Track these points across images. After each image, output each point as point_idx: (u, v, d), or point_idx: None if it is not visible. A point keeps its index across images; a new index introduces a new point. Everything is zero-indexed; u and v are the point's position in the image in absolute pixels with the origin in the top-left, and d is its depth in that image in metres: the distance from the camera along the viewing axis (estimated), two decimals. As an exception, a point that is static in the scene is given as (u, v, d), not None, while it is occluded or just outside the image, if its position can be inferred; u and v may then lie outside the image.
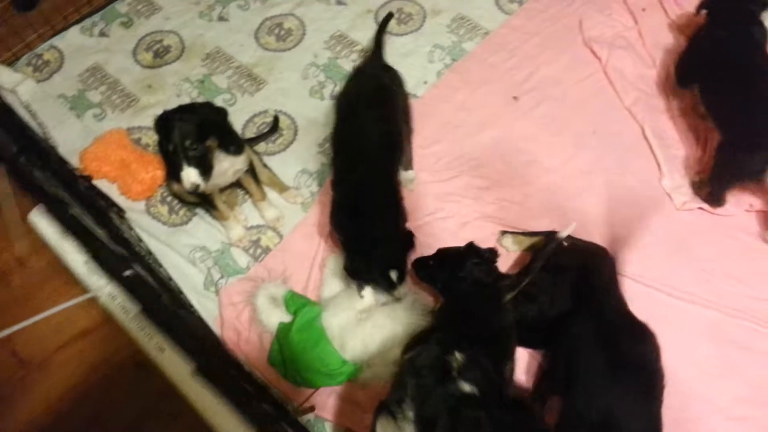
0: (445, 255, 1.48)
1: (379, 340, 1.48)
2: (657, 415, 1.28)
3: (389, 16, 2.12)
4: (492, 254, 1.47)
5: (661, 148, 1.80)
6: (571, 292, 1.49)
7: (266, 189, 1.80)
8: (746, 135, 1.61)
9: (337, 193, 1.59)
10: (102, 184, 1.85)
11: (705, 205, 1.70)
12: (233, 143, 1.62)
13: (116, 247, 1.36)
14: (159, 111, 1.93)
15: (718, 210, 1.69)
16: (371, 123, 1.61)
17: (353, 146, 1.62)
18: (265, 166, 1.81)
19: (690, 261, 1.64)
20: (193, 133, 1.46)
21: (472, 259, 1.42)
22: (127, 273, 1.17)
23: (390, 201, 1.55)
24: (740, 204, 1.70)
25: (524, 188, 1.82)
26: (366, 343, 1.47)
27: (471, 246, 1.46)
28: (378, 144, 1.59)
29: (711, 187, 1.70)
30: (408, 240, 1.53)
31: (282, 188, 1.83)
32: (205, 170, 1.50)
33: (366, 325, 1.49)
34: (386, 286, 1.49)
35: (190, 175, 1.47)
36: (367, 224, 1.51)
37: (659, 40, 2.02)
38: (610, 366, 1.30)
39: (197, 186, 1.48)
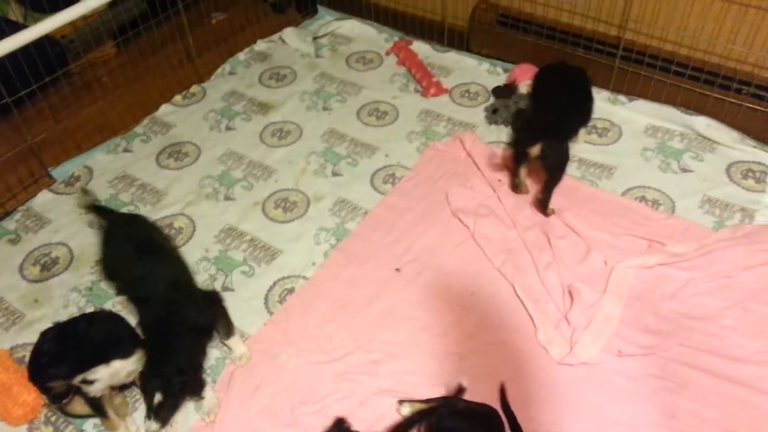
0: None
1: None
2: None
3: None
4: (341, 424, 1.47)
5: (531, 303, 1.95)
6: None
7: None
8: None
9: None
10: (-21, 412, 1.76)
11: (582, 360, 1.81)
12: (124, 346, 1.63)
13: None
14: (45, 325, 1.92)
15: (591, 358, 1.80)
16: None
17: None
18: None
19: (576, 412, 1.71)
20: (48, 374, 1.50)
21: None
22: None
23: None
24: (610, 351, 1.82)
25: (416, 357, 1.88)
26: None
27: None
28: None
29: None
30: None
31: None
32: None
33: None
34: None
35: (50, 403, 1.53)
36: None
37: (516, 203, 2.26)
38: None
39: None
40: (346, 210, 2.34)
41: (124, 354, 1.62)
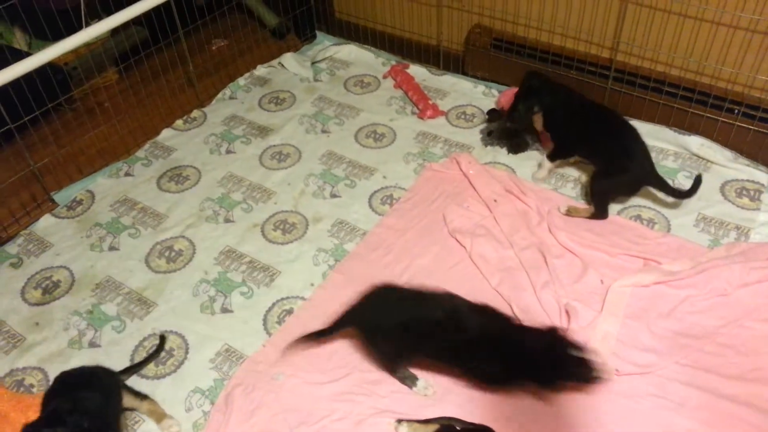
0: None
1: None
2: None
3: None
4: None
5: (528, 322, 1.95)
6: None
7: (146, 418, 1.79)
8: (617, 163, 2.22)
9: None
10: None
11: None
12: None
13: None
14: (45, 348, 1.98)
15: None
16: None
17: None
18: (145, 396, 1.80)
19: (573, 431, 1.71)
20: None
21: None
22: None
23: None
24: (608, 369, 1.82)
25: (414, 377, 1.89)
26: None
27: None
28: None
29: (594, 206, 2.29)
30: None
31: (159, 417, 1.80)
32: None
33: None
34: None
35: None
36: None
37: (513, 223, 2.28)
38: None
39: None
40: (344, 231, 2.36)
41: None
